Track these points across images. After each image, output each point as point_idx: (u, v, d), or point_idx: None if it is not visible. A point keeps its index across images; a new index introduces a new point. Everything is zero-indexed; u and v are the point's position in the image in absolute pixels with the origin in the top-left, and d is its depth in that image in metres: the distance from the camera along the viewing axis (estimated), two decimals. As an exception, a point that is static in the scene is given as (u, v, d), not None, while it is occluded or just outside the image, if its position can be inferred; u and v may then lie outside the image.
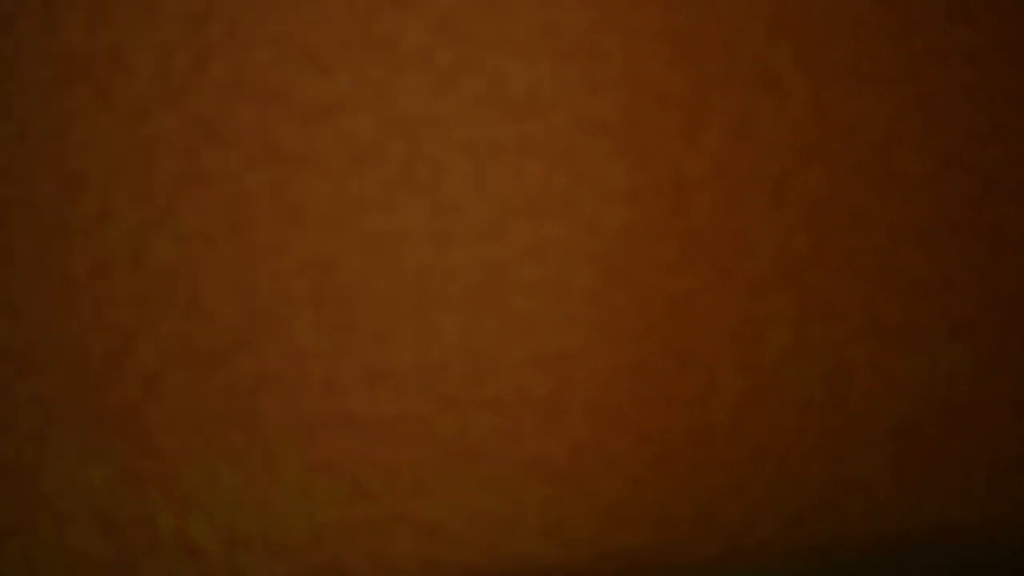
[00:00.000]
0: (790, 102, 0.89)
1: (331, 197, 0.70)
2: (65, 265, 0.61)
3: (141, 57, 0.74)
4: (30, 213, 0.61)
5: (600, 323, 0.68)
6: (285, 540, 0.76)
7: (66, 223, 0.63)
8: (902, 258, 0.90)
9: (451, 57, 0.82)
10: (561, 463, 0.76)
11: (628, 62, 0.86)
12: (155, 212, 0.63)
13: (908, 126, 0.88)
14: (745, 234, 0.90)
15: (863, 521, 0.89)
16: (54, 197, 0.63)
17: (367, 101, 0.76)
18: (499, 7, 0.82)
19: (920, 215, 0.90)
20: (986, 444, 0.91)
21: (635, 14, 0.83)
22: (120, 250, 0.59)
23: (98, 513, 0.73)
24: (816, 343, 0.90)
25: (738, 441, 0.87)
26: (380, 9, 0.80)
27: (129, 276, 0.61)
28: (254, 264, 0.63)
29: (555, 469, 0.77)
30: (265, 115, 0.70)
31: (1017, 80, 0.87)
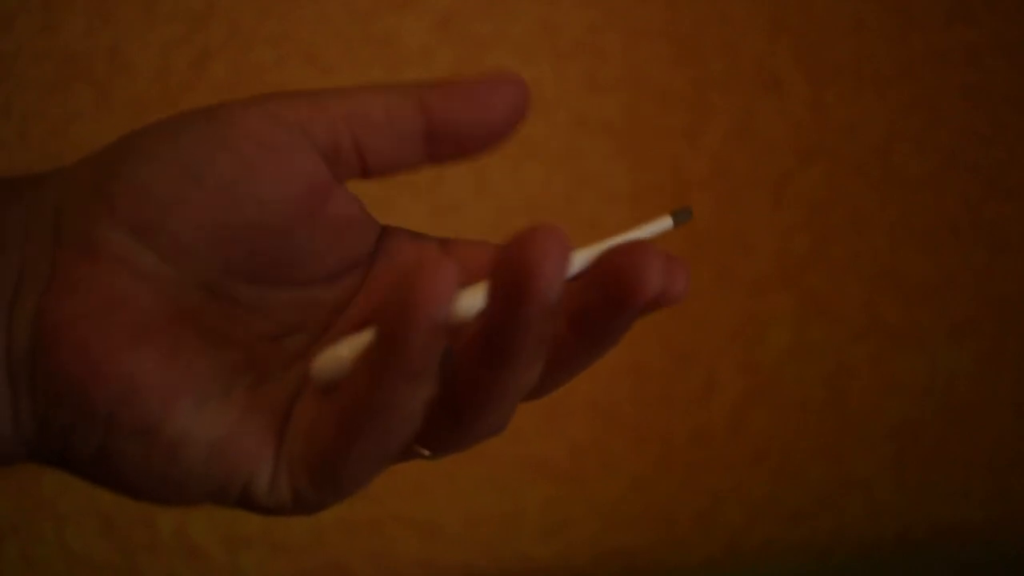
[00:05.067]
0: (790, 102, 0.88)
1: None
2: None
3: (141, 57, 0.74)
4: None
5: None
6: (285, 540, 0.76)
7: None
8: (902, 258, 0.90)
9: (451, 57, 0.82)
10: (561, 463, 0.75)
11: (629, 62, 0.85)
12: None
13: (908, 126, 0.87)
14: (745, 234, 0.89)
15: (863, 521, 0.89)
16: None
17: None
18: (499, 7, 0.81)
19: (920, 215, 0.89)
20: (986, 444, 0.91)
21: (636, 14, 0.82)
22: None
23: (98, 513, 0.73)
24: (816, 343, 0.89)
25: (738, 441, 0.87)
26: (380, 9, 0.79)
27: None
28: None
29: (555, 469, 0.76)
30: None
31: (1017, 80, 0.86)
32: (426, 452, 0.38)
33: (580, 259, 0.38)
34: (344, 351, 0.36)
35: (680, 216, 0.40)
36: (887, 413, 0.88)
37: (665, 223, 0.40)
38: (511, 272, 0.32)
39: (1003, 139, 0.86)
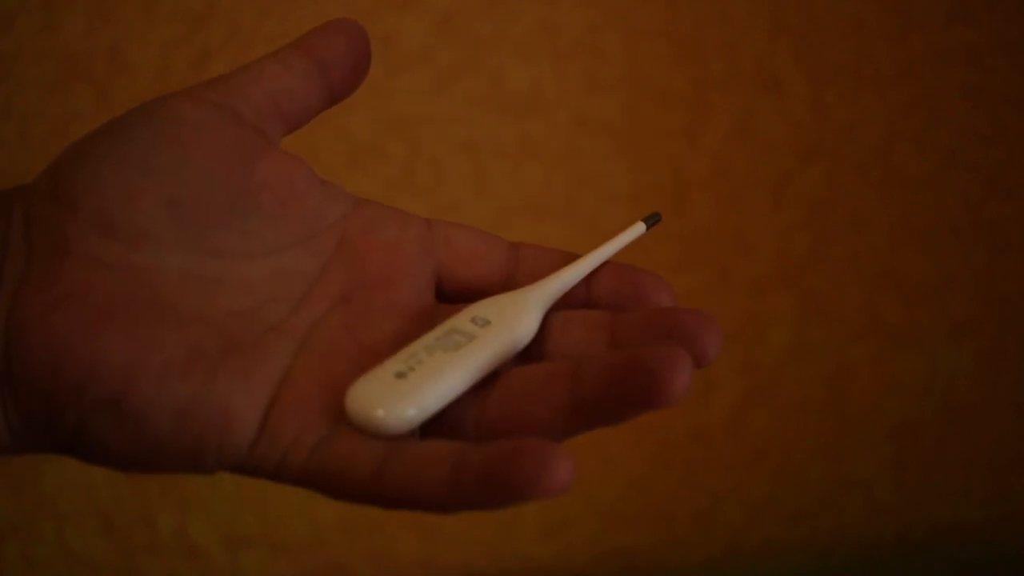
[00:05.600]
0: (790, 102, 0.88)
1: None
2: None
3: (141, 57, 0.74)
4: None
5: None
6: (285, 540, 0.75)
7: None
8: (902, 258, 0.90)
9: (451, 57, 0.82)
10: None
11: (629, 62, 0.85)
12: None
13: (908, 126, 0.87)
14: (745, 234, 0.89)
15: (863, 521, 0.89)
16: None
17: (367, 101, 0.75)
18: (499, 7, 0.81)
19: (920, 215, 0.89)
20: (986, 444, 0.91)
21: (636, 14, 0.82)
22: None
23: (98, 513, 0.73)
24: (816, 343, 0.89)
25: (738, 441, 0.87)
26: (380, 9, 0.79)
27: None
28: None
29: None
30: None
31: (1017, 80, 0.86)
32: None
33: (565, 280, 0.42)
34: (412, 412, 0.38)
35: (650, 221, 0.45)
36: (887, 413, 0.88)
37: (638, 229, 0.45)
38: (640, 389, 0.36)
39: (1003, 139, 0.86)
